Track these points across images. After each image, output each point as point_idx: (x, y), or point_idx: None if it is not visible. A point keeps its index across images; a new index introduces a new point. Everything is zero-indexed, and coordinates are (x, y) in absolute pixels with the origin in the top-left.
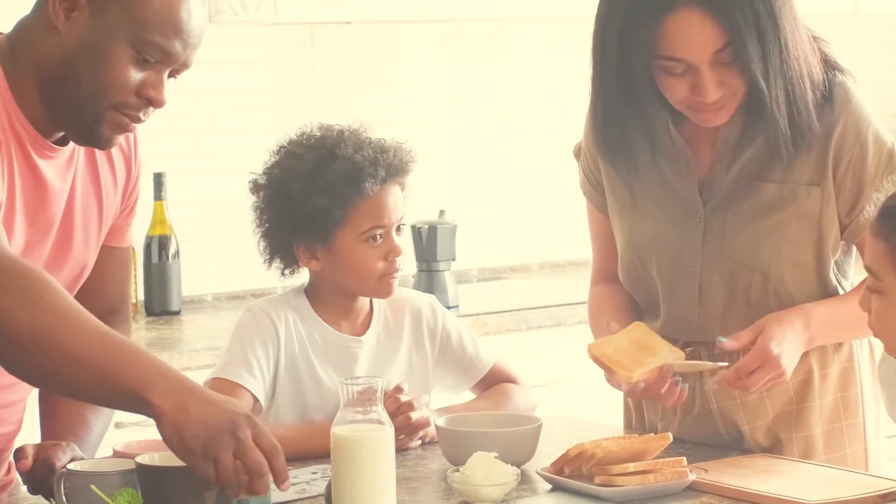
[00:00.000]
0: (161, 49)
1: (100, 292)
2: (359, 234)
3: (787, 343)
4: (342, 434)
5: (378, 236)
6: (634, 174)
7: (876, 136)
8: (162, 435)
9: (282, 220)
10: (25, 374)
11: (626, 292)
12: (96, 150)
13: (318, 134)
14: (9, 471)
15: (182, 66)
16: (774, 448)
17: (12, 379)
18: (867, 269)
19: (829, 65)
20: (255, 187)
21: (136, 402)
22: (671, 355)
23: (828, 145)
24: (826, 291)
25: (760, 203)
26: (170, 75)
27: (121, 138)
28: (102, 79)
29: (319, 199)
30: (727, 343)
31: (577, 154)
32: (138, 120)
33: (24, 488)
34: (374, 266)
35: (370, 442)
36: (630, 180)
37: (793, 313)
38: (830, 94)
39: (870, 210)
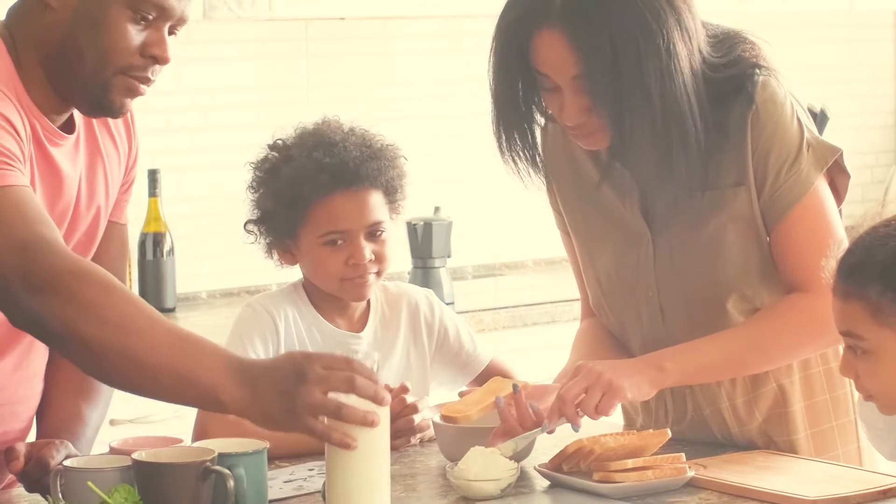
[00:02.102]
0: (157, 5)
1: None
2: (316, 236)
3: (609, 364)
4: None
5: (338, 241)
6: (574, 199)
7: (787, 130)
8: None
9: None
10: (103, 378)
11: (604, 326)
12: (96, 129)
13: (298, 131)
14: None
15: (179, 21)
16: (769, 449)
17: (27, 373)
18: (845, 334)
19: (751, 65)
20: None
21: (213, 404)
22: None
23: (745, 143)
24: (780, 288)
25: (696, 214)
26: (169, 33)
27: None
28: (105, 45)
29: (277, 199)
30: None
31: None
32: (147, 81)
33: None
34: (334, 269)
35: (363, 433)
36: (578, 208)
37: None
38: (749, 94)
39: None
